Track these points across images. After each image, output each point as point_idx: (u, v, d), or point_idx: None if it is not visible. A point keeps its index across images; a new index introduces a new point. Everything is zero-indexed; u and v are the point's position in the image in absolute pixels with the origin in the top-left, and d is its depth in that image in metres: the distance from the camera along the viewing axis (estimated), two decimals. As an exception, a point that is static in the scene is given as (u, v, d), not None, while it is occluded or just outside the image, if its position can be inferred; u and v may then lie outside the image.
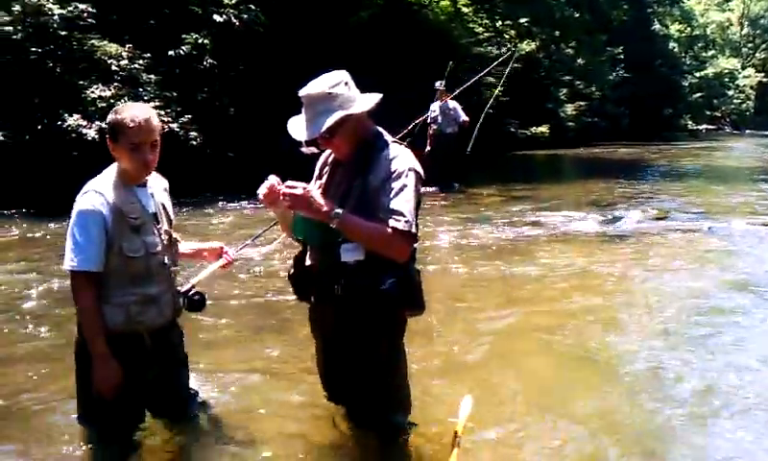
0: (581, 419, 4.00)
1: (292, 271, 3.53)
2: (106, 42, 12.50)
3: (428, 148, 14.22)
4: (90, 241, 3.19)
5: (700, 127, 52.54)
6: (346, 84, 3.24)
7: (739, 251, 8.61)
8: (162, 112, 12.07)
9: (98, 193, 3.22)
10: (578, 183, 16.46)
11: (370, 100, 3.31)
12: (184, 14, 14.31)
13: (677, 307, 6.18)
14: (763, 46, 69.58)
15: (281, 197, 3.11)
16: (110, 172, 3.34)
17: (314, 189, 3.21)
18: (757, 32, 69.19)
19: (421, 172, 3.28)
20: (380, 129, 3.38)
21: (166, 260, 3.42)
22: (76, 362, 3.40)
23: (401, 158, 3.24)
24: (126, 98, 11.53)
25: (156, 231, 3.37)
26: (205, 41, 14.00)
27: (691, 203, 12.83)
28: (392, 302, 3.24)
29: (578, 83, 33.61)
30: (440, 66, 14.44)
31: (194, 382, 3.79)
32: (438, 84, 14.25)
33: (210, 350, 4.94)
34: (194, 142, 12.80)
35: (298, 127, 3.26)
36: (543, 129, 28.62)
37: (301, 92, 3.23)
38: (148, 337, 3.37)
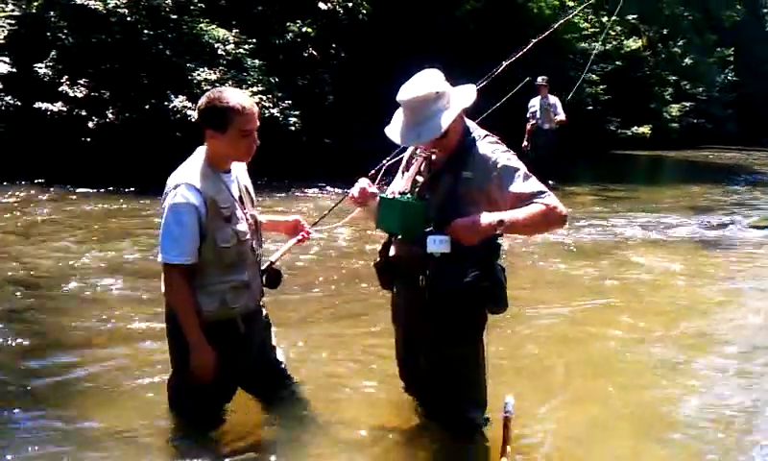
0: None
1: (377, 259, 3.57)
2: (214, 27, 12.86)
3: (525, 143, 14.06)
4: (185, 234, 3.22)
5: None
6: (444, 80, 3.25)
7: None
8: (264, 98, 12.36)
9: (191, 186, 3.22)
10: (678, 187, 15.96)
11: (471, 91, 3.31)
12: (291, 1, 14.56)
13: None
14: None
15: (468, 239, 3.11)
16: (197, 159, 3.35)
17: (484, 215, 3.11)
18: None
19: (511, 152, 3.30)
20: (469, 127, 3.37)
21: (254, 245, 3.47)
22: (170, 346, 3.48)
23: (495, 147, 3.27)
24: (230, 82, 11.87)
25: (243, 216, 3.39)
26: (308, 30, 14.21)
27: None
28: (474, 296, 3.25)
29: (684, 83, 32.52)
30: (542, 62, 14.22)
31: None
32: (540, 79, 14.04)
33: (291, 328, 5.01)
34: (292, 128, 13.00)
35: (404, 132, 3.25)
36: (645, 129, 27.88)
37: (404, 96, 3.20)
38: (242, 323, 3.43)
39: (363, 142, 10.89)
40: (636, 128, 27.45)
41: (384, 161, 3.71)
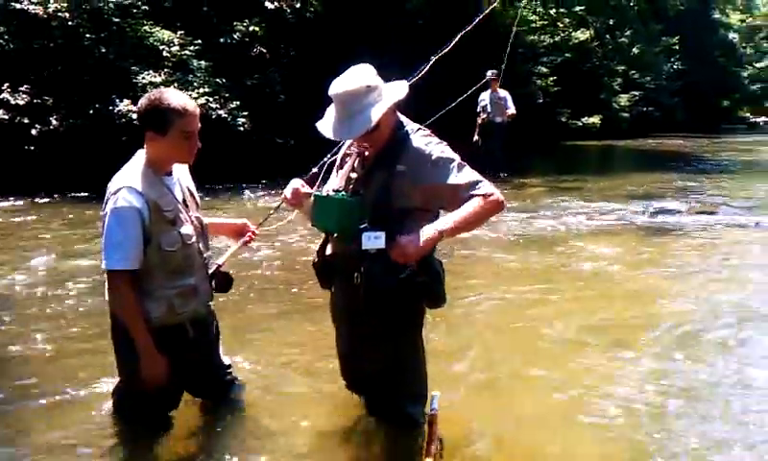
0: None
1: (315, 259, 3.55)
2: (158, 29, 12.70)
3: (475, 137, 14.16)
4: (128, 239, 3.15)
5: (759, 119, 51.14)
6: (375, 74, 3.25)
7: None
8: (211, 99, 12.26)
9: (132, 189, 3.16)
10: (626, 175, 16.18)
11: (404, 85, 3.31)
12: (237, 2, 14.44)
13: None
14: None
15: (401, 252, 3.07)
16: (138, 163, 3.28)
17: (424, 231, 3.09)
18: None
19: (444, 144, 3.30)
20: (401, 121, 3.36)
21: (201, 248, 3.42)
22: (117, 354, 3.41)
23: (429, 140, 3.27)
24: (176, 84, 11.72)
25: (188, 219, 3.35)
26: (256, 29, 14.11)
27: (741, 197, 12.51)
28: (410, 292, 3.25)
29: (632, 73, 33.01)
30: (492, 54, 14.23)
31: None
32: (489, 73, 14.11)
33: (237, 332, 4.96)
34: (241, 128, 12.91)
35: (336, 126, 3.24)
36: (595, 120, 28.19)
37: (335, 91, 3.19)
38: (190, 328, 3.39)
39: (317, 140, 10.83)
40: (586, 118, 27.74)
41: (325, 159, 3.69)
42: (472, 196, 3.14)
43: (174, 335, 3.33)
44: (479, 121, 14.29)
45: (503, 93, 14.27)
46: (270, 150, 13.56)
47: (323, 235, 3.53)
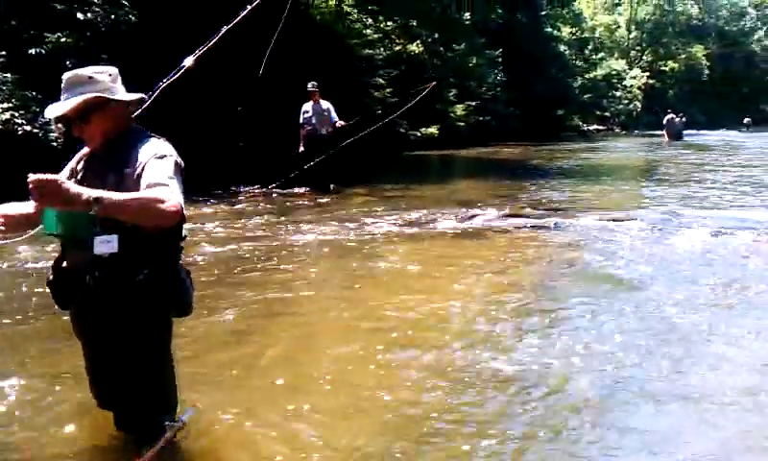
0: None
1: (51, 277, 3.40)
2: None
3: (301, 149, 14.22)
4: None
5: (590, 127, 54.19)
6: (110, 75, 3.28)
7: (567, 244, 8.83)
8: (17, 114, 11.66)
9: None
10: (451, 183, 16.72)
11: (130, 95, 3.34)
12: (47, 13, 13.80)
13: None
14: (649, 49, 72.59)
15: (30, 190, 2.76)
16: None
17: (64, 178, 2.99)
18: (644, 35, 72.21)
19: (178, 158, 3.21)
20: (143, 128, 3.37)
21: None
22: None
23: (158, 145, 3.23)
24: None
25: None
26: (68, 40, 13.53)
27: (554, 200, 13.17)
28: (146, 297, 3.19)
29: (469, 83, 34.16)
30: (327, 67, 14.34)
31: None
32: (310, 85, 14.25)
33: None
34: (54, 144, 12.31)
35: (54, 107, 3.23)
36: (433, 129, 28.97)
37: (64, 75, 3.22)
38: None
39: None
40: (424, 128, 28.43)
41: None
42: (150, 191, 2.96)
43: None
44: (303, 132, 14.34)
45: (326, 105, 14.40)
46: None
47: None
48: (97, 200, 2.77)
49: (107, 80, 3.25)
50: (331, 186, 14.07)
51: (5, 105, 11.59)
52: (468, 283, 6.95)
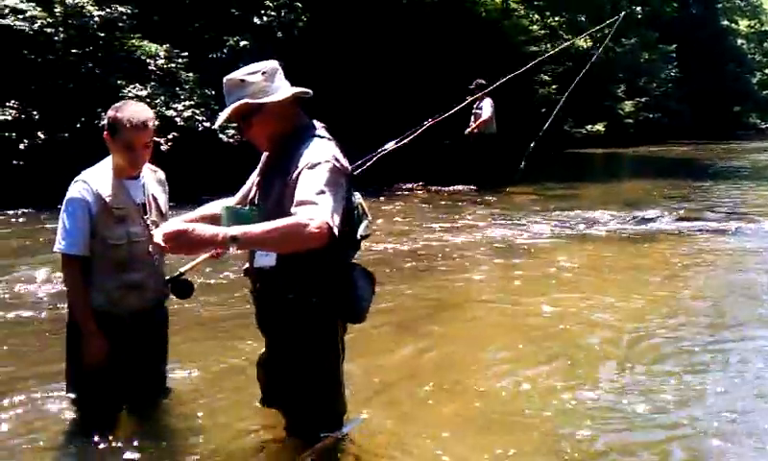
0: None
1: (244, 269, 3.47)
2: (145, 42, 12.76)
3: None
4: (76, 227, 3.45)
5: None
6: (263, 73, 3.17)
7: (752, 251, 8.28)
8: (198, 111, 12.31)
9: (85, 182, 3.46)
10: (619, 182, 16.12)
11: (283, 92, 3.18)
12: (226, 18, 14.52)
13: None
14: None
15: (165, 243, 2.77)
16: (106, 163, 3.59)
17: (198, 223, 2.86)
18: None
19: (342, 162, 3.10)
20: (314, 122, 3.26)
21: (151, 249, 3.54)
22: (67, 340, 3.65)
23: (315, 150, 3.06)
24: (162, 97, 11.84)
25: (142, 221, 3.55)
26: (245, 43, 14.15)
27: (731, 203, 12.44)
28: (302, 311, 3.14)
29: (639, 80, 32.88)
30: (491, 63, 14.17)
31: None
32: (479, 81, 14.11)
33: (185, 338, 4.97)
34: (231, 141, 12.91)
35: (220, 115, 3.29)
36: (599, 127, 28.10)
37: (224, 79, 3.23)
38: (129, 319, 3.58)
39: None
40: (589, 126, 27.63)
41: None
42: (291, 216, 2.83)
43: (114, 323, 3.53)
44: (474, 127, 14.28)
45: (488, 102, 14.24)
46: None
47: None
48: (234, 238, 2.71)
49: (259, 80, 3.13)
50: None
51: (186, 102, 12.26)
52: (649, 293, 6.59)
